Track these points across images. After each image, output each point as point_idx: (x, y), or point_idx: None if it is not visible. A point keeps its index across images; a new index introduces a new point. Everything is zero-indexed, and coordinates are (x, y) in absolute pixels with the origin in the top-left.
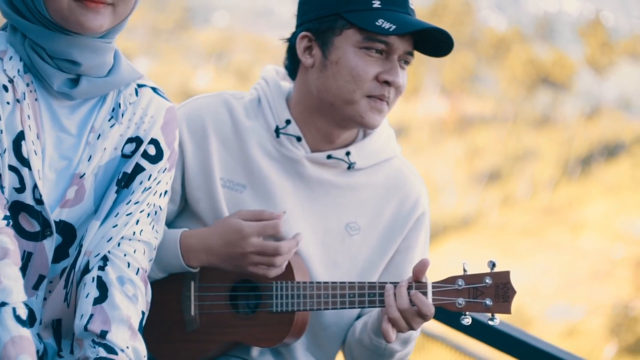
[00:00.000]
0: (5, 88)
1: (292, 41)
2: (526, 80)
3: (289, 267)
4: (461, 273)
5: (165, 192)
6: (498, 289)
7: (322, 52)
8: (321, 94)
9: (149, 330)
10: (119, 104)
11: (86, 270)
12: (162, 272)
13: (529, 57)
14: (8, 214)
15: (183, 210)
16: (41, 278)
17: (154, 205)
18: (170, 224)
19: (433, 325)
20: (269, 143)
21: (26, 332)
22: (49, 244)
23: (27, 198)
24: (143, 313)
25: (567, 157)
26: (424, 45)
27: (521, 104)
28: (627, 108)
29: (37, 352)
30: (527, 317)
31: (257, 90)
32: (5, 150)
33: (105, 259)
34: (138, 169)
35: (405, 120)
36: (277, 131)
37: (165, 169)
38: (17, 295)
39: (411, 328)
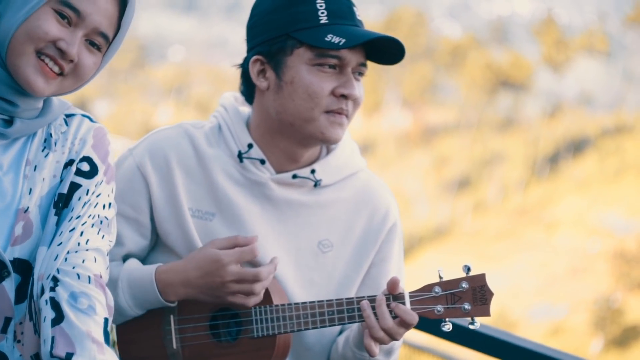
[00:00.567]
0: None
1: (244, 66)
2: (486, 85)
3: (266, 291)
4: (437, 280)
5: (110, 204)
6: (475, 292)
7: (276, 74)
8: (280, 115)
9: None
10: (50, 134)
11: (42, 294)
12: (140, 310)
13: (486, 62)
14: None
15: (155, 245)
16: (7, 320)
17: (98, 216)
18: (144, 259)
19: (416, 336)
20: (233, 169)
21: None
22: (9, 285)
23: None
24: (106, 319)
25: (534, 157)
26: (376, 54)
27: (483, 109)
28: (589, 103)
29: None
30: (510, 320)
31: (216, 118)
32: None
33: (54, 279)
34: (74, 187)
35: (370, 135)
36: (240, 156)
37: (103, 182)
38: None
39: (394, 339)
